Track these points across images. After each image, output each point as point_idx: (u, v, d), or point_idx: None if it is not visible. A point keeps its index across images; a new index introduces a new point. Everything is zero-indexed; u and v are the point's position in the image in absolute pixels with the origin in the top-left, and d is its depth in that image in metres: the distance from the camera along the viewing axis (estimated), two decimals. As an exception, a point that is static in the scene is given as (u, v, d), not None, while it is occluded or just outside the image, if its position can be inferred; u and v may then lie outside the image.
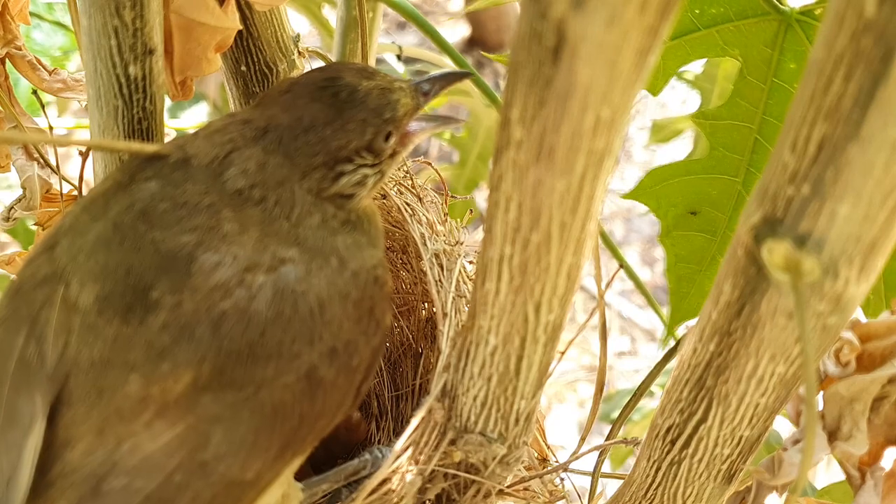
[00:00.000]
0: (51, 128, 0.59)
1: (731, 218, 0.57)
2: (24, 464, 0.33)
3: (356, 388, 0.39)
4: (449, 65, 0.91)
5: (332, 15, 0.85)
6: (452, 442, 0.38)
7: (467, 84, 0.98)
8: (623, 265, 0.57)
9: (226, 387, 0.35)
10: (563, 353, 0.40)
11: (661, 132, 1.12)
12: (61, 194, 0.57)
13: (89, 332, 0.36)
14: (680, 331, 0.62)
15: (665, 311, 0.83)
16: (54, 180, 0.58)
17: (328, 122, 0.39)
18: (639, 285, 0.83)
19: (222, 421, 0.35)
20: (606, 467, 0.51)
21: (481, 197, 1.19)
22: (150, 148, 0.42)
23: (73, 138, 0.73)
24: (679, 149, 1.11)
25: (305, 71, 0.56)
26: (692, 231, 0.58)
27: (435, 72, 0.47)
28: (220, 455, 0.35)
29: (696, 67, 0.97)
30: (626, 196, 0.59)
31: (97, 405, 0.35)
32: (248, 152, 0.39)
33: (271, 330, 0.35)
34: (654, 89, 0.56)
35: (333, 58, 0.70)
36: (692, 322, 0.54)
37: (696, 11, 0.53)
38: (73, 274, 0.37)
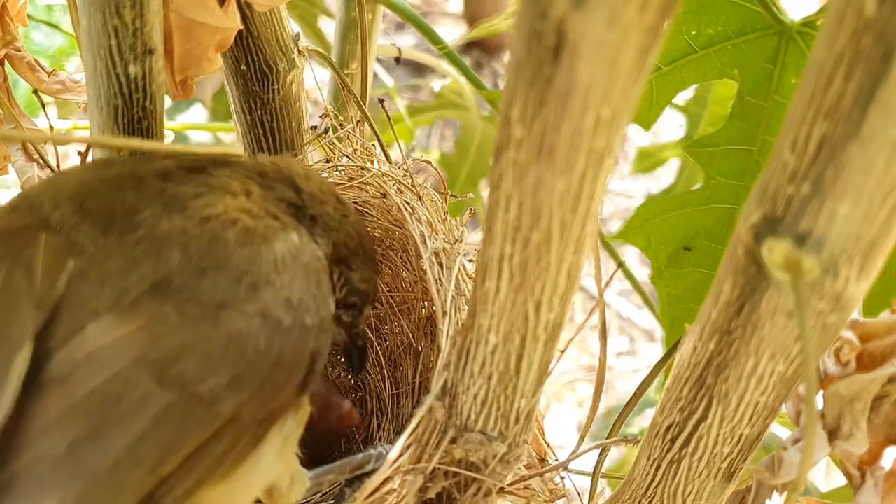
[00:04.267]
0: (51, 128, 0.59)
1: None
2: (11, 382, 0.33)
3: (309, 355, 0.40)
4: (447, 67, 0.92)
5: (326, 24, 0.85)
6: (453, 440, 0.38)
7: (464, 96, 0.97)
8: (621, 265, 0.56)
9: (188, 301, 0.36)
10: (562, 353, 0.40)
11: (647, 161, 1.09)
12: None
13: (72, 247, 0.37)
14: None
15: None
16: (54, 180, 0.58)
17: None
18: (636, 286, 0.83)
19: (178, 328, 0.35)
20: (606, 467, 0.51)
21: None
22: (149, 144, 0.42)
23: (72, 136, 0.73)
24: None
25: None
26: (687, 268, 0.55)
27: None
28: (173, 357, 0.35)
29: (686, 92, 0.95)
30: (614, 238, 0.56)
31: (76, 314, 0.35)
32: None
33: (237, 258, 0.38)
34: (647, 123, 0.53)
35: (334, 58, 0.70)
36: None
37: (693, 33, 0.50)
38: (62, 202, 0.39)
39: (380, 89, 1.02)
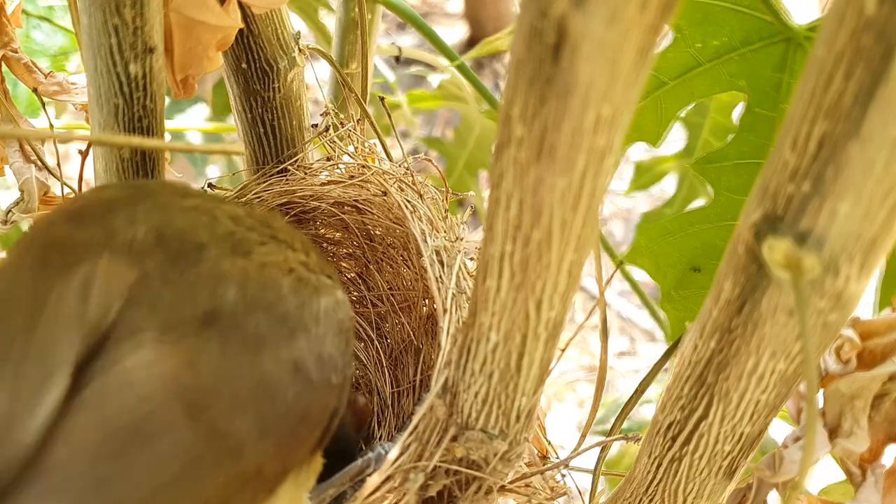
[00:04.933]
0: (51, 126, 0.59)
1: (740, 264, 0.53)
2: (42, 410, 0.32)
3: (330, 413, 0.40)
4: (448, 67, 0.92)
5: (327, 19, 0.85)
6: (454, 438, 0.38)
7: (463, 89, 0.98)
8: (621, 265, 0.56)
9: (232, 335, 0.36)
10: (563, 351, 0.40)
11: (645, 175, 1.06)
12: (62, 194, 0.57)
13: (133, 272, 0.37)
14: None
15: (662, 312, 0.83)
16: (51, 182, 0.58)
17: None
18: (634, 286, 0.83)
19: (218, 363, 0.35)
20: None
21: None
22: (150, 143, 0.42)
23: (74, 134, 0.73)
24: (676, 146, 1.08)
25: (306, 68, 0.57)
26: (696, 289, 0.53)
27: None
28: (209, 399, 0.34)
29: None
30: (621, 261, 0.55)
31: (121, 342, 0.35)
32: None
33: (286, 303, 0.39)
34: (654, 139, 0.52)
35: (333, 58, 0.70)
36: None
37: (698, 45, 0.49)
38: (139, 222, 0.39)
39: (379, 80, 1.02)
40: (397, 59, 0.90)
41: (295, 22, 0.62)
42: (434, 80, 1.03)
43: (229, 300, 0.37)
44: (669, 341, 0.55)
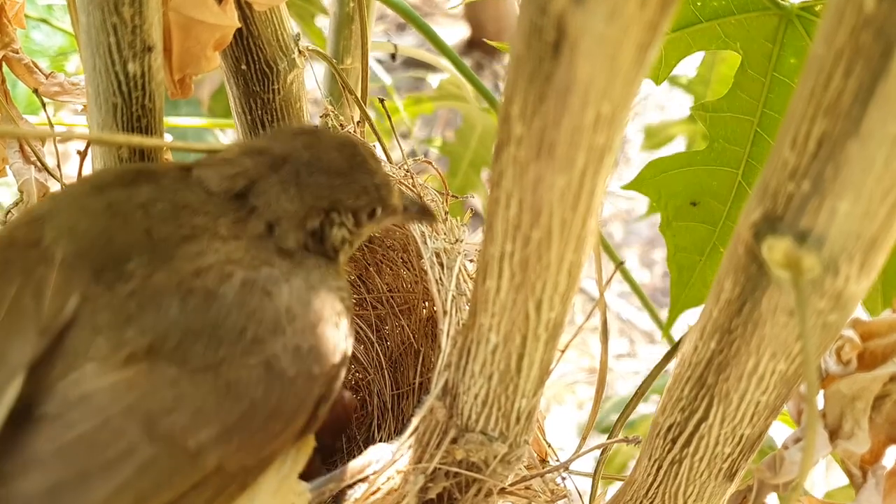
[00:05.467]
0: (51, 124, 0.59)
1: (730, 208, 0.59)
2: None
3: (314, 402, 0.39)
4: (447, 67, 0.92)
5: (321, 21, 0.85)
6: (454, 440, 0.38)
7: (463, 89, 0.98)
8: (621, 265, 0.56)
9: (186, 357, 0.35)
10: (562, 352, 0.40)
11: (654, 138, 1.12)
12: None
13: (68, 287, 0.37)
14: (678, 331, 0.62)
15: (662, 313, 0.83)
16: (51, 183, 0.58)
17: (340, 173, 0.43)
18: (634, 287, 0.83)
19: (175, 382, 0.35)
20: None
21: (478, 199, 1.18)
22: (149, 142, 0.42)
23: (74, 132, 0.73)
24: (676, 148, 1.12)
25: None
26: (693, 221, 0.60)
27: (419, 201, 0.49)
28: (166, 409, 0.34)
29: (690, 71, 0.98)
30: (627, 186, 0.60)
31: (77, 350, 0.35)
32: (263, 184, 0.42)
33: (236, 314, 0.37)
34: (657, 79, 0.57)
35: (328, 54, 0.70)
36: (692, 321, 0.54)
37: (698, 4, 0.54)
38: (60, 236, 0.38)
39: (376, 84, 1.02)
40: (393, 56, 0.90)
41: (294, 25, 0.62)
42: (434, 80, 1.03)
43: (171, 322, 0.36)
44: (668, 263, 0.61)
